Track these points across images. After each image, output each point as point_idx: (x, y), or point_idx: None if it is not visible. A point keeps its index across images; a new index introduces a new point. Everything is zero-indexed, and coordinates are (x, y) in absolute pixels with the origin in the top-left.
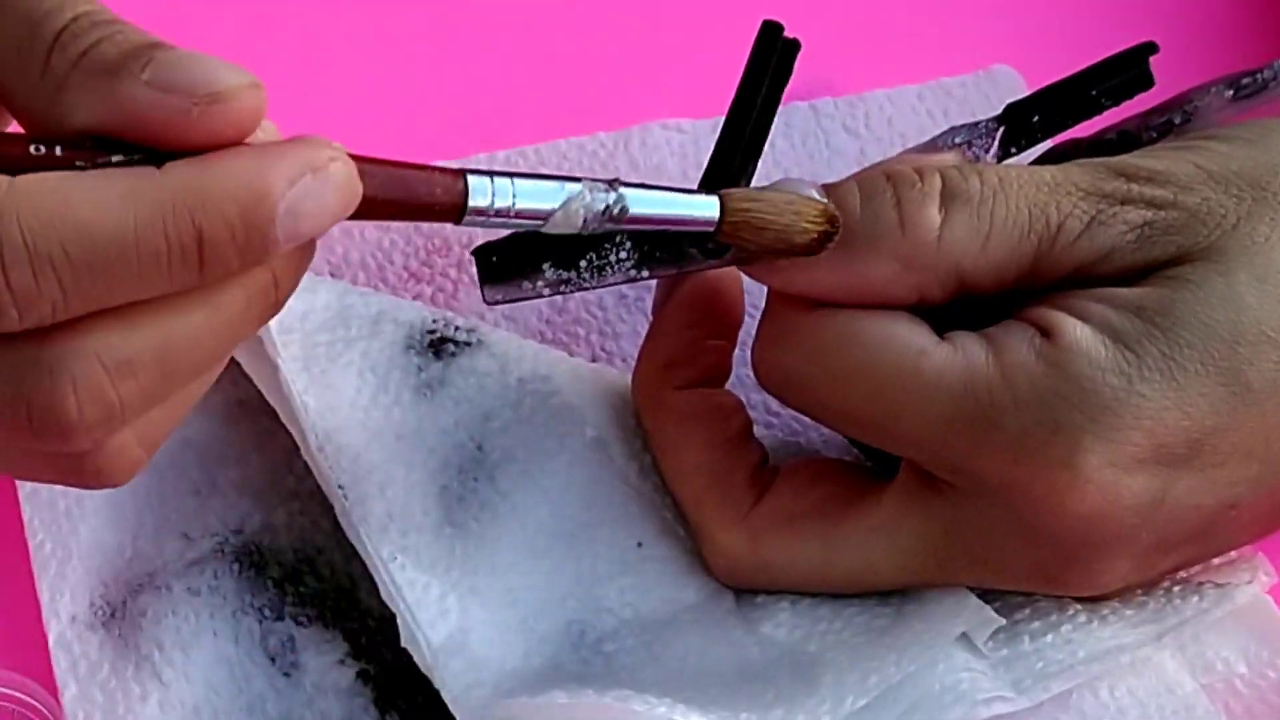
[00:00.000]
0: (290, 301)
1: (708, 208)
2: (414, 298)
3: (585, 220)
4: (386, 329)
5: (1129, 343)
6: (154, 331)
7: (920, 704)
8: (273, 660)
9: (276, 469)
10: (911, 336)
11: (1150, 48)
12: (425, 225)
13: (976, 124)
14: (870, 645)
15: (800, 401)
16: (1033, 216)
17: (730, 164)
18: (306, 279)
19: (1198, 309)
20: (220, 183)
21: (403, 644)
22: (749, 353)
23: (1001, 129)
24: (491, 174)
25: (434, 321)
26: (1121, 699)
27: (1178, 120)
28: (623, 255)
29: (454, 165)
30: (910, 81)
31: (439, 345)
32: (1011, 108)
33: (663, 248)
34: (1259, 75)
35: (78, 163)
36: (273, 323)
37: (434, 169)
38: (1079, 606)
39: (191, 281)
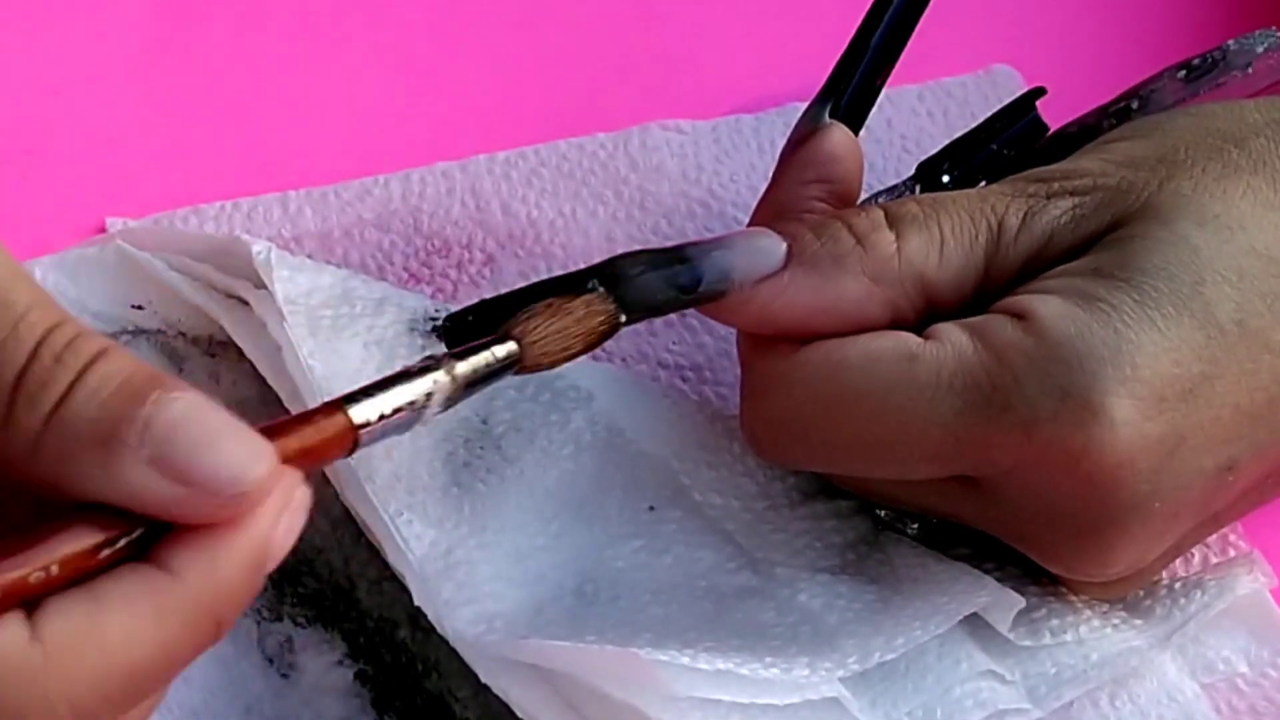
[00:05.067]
0: (297, 277)
1: (508, 350)
2: None
3: (447, 402)
4: (390, 311)
5: (1099, 298)
6: None
7: (941, 702)
8: (270, 661)
9: None
10: (896, 345)
11: (1038, 92)
12: (425, 226)
13: (894, 186)
14: (891, 619)
15: (805, 451)
16: (974, 221)
17: (850, 72)
18: (310, 264)
19: (1151, 256)
20: (235, 573)
21: (416, 603)
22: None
23: (917, 187)
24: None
25: (436, 310)
26: (1122, 709)
27: (1135, 106)
28: None
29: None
30: (910, 81)
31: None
32: (923, 165)
33: (639, 291)
34: (1209, 56)
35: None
36: (279, 294)
37: (312, 414)
38: (1089, 612)
39: None
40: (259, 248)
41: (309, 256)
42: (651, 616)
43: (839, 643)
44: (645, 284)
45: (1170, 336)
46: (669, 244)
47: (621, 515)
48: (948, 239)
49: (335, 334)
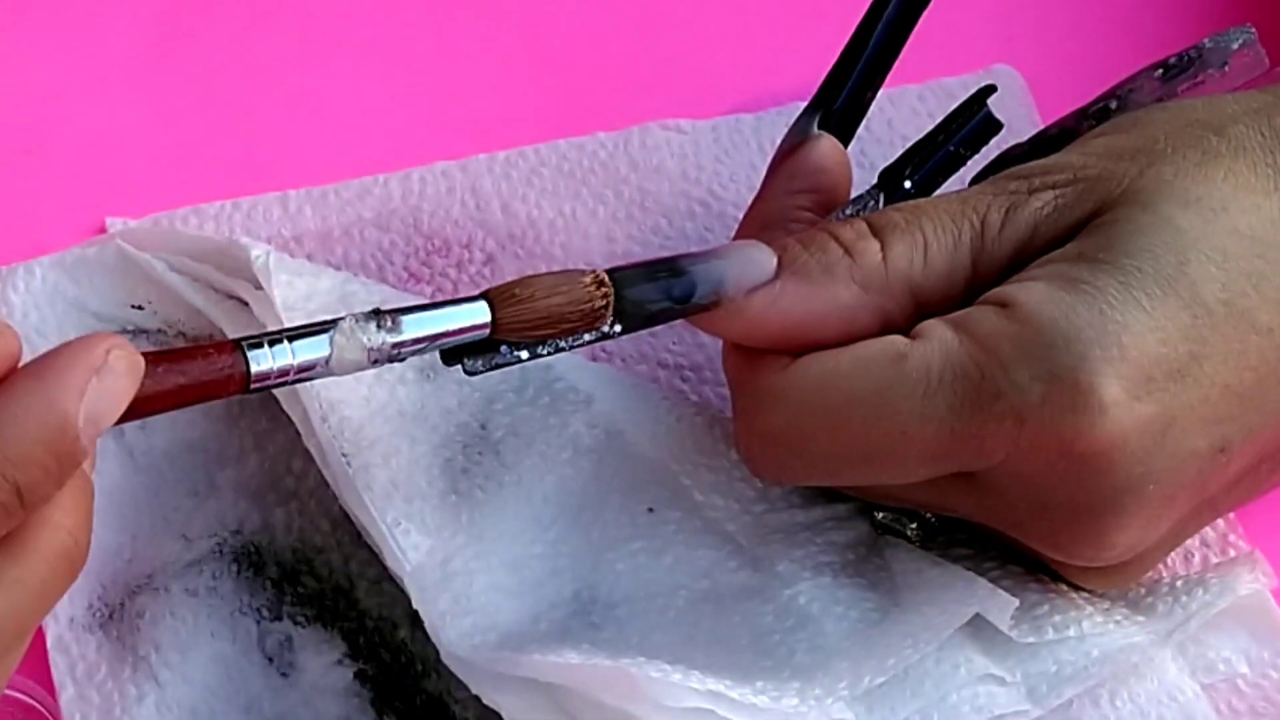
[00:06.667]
0: (295, 282)
1: (478, 314)
2: None
3: (371, 355)
4: None
5: (1084, 280)
6: None
7: (938, 708)
8: (270, 660)
9: (275, 469)
10: (885, 348)
11: (989, 90)
12: (425, 225)
13: (859, 196)
14: (883, 634)
15: (804, 465)
16: (957, 222)
17: (841, 84)
18: (309, 267)
19: (1135, 238)
20: (20, 430)
21: (414, 605)
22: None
23: (881, 194)
24: (265, 338)
25: None
26: (1122, 708)
27: (1113, 106)
28: None
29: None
30: (910, 82)
31: None
32: (885, 173)
33: (633, 302)
34: (1186, 54)
35: None
36: (277, 299)
37: (208, 348)
38: (1091, 608)
39: (15, 525)
40: (258, 251)
41: (309, 256)
42: (648, 624)
43: (832, 664)
44: (640, 294)
45: (1156, 316)
46: (666, 248)
47: (620, 518)
48: (931, 242)
49: None
